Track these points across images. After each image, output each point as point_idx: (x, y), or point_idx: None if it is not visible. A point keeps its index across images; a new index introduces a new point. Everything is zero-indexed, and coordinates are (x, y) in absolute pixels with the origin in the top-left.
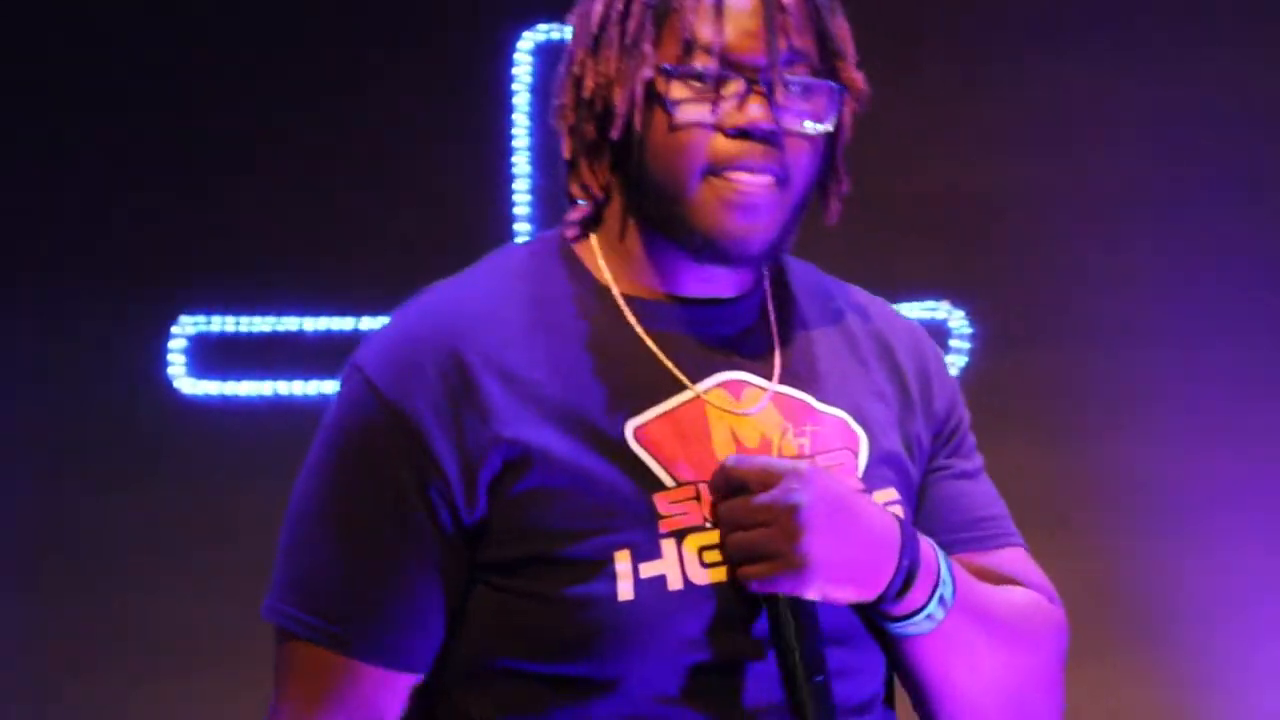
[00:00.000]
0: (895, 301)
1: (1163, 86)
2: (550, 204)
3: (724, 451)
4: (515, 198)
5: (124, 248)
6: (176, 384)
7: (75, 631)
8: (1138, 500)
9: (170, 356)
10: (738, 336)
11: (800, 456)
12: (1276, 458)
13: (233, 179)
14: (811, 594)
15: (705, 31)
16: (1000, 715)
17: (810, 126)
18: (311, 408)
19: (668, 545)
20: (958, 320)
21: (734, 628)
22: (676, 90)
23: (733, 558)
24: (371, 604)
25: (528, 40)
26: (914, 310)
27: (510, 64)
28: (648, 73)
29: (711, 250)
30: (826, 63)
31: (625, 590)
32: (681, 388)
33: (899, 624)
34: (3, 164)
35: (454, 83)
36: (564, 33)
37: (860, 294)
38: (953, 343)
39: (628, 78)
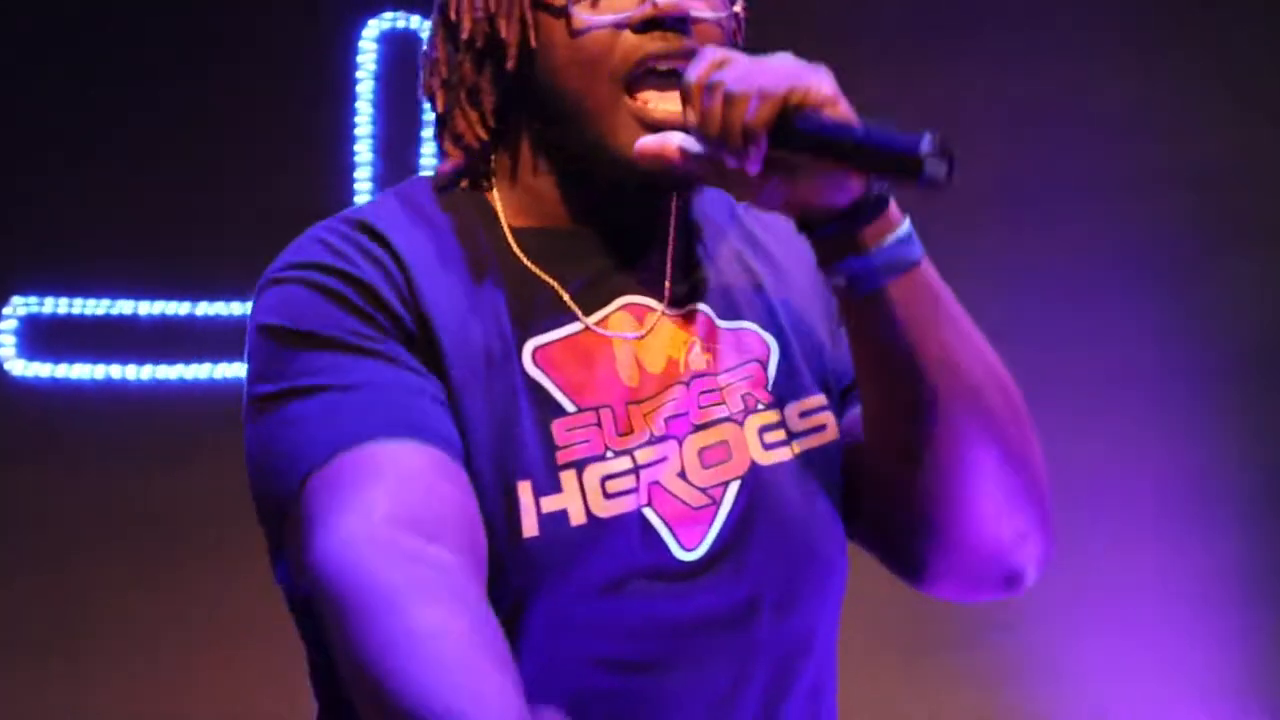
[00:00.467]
0: None
1: (1015, 91)
2: None
3: (628, 375)
4: (356, 185)
5: None
6: (6, 366)
7: None
8: None
9: (0, 337)
10: (638, 263)
11: (705, 373)
12: (1106, 457)
13: (71, 161)
14: (828, 88)
15: None
16: (977, 392)
17: (705, 11)
18: (144, 392)
19: (567, 477)
20: None
21: (645, 557)
22: None
23: (741, 92)
24: (374, 395)
25: (373, 28)
26: None
27: (355, 51)
28: None
29: (633, 177)
30: None
31: (530, 525)
32: (575, 317)
33: (894, 246)
34: None
35: (297, 68)
36: (410, 21)
37: (782, 220)
38: None
39: (513, 1)
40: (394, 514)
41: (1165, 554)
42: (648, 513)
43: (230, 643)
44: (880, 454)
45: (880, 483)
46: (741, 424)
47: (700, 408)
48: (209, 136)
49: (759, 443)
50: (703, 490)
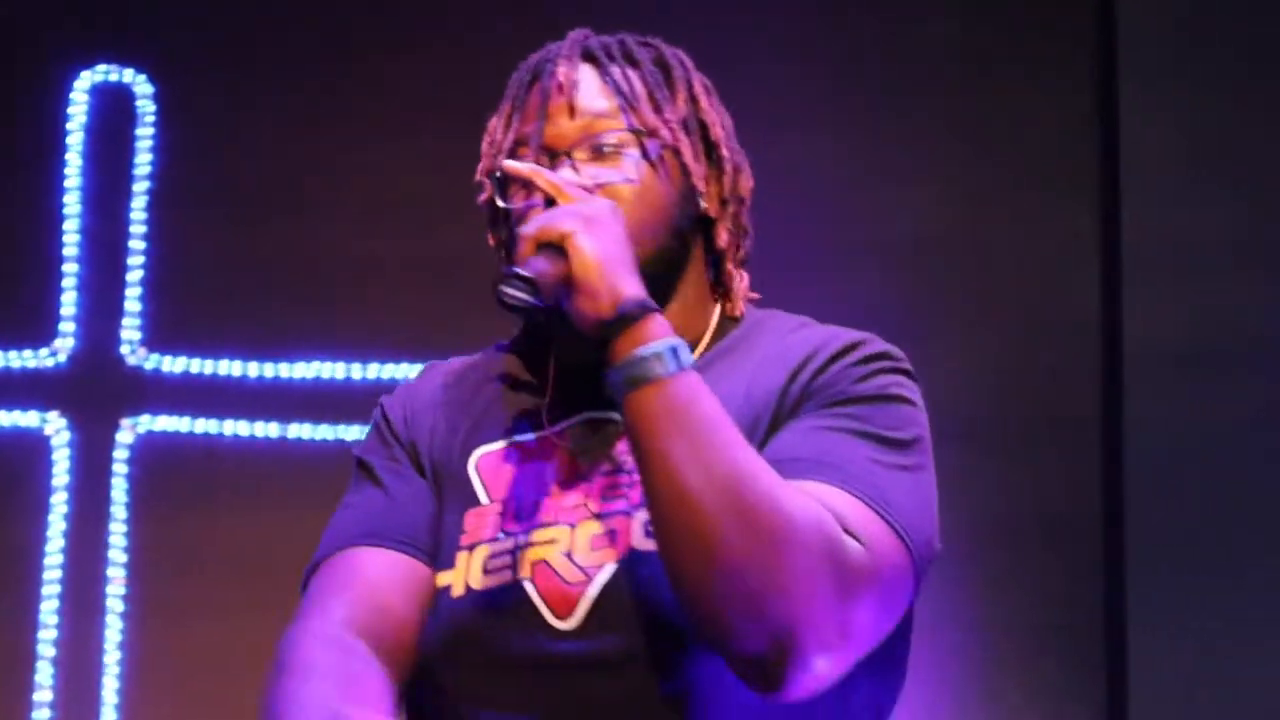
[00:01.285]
0: None
1: None
2: (97, 244)
3: (558, 474)
4: (65, 238)
5: None
6: None
7: None
8: None
9: None
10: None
11: (621, 470)
12: None
13: None
14: (566, 224)
15: (517, 131)
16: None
17: (612, 175)
18: None
19: (461, 556)
20: None
21: (511, 625)
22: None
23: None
24: (365, 509)
25: (85, 79)
26: None
27: (66, 103)
28: (483, 196)
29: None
30: (636, 117)
31: None
32: (541, 426)
33: (631, 363)
34: None
35: (6, 119)
36: (122, 74)
37: (804, 330)
38: None
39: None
40: (347, 618)
41: None
42: (527, 586)
43: None
44: None
45: None
46: (631, 515)
47: (602, 500)
48: None
49: (642, 531)
50: (582, 569)
